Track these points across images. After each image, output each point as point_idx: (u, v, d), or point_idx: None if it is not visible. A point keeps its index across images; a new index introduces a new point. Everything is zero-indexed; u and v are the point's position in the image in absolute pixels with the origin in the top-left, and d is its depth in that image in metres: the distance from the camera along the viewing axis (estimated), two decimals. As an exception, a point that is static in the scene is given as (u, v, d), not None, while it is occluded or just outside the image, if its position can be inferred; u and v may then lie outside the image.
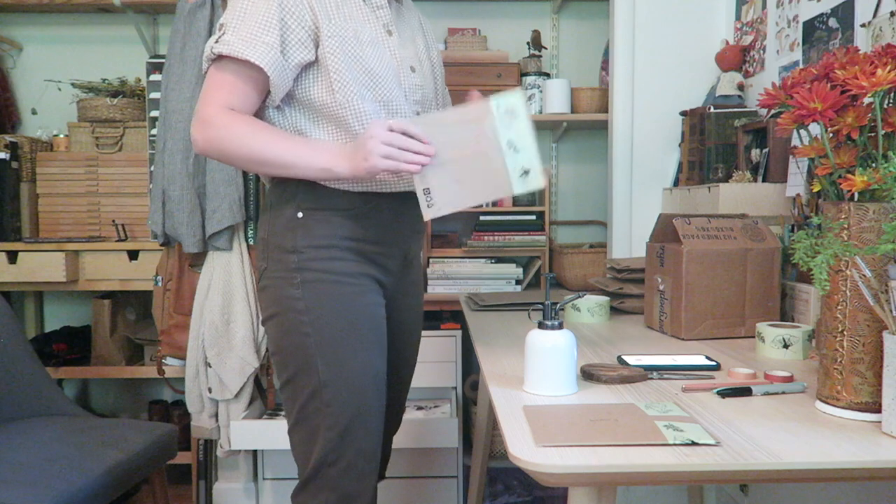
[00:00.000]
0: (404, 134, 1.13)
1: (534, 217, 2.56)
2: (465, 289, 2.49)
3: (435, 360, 2.33)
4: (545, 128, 2.76)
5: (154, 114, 2.33)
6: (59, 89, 2.74)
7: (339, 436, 1.20)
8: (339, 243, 1.24)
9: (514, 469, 2.43)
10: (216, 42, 1.18)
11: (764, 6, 1.96)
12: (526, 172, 1.16)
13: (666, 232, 1.52)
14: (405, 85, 1.29)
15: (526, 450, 0.80)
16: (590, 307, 1.63)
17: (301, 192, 1.23)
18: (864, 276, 0.86)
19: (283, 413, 2.34)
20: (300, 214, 1.23)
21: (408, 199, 1.29)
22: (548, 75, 2.57)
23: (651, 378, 1.12)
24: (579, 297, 1.18)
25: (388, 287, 1.34)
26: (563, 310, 1.71)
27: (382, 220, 1.29)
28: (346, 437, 1.20)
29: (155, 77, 2.35)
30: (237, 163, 1.20)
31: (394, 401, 1.42)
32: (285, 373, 1.24)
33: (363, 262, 1.27)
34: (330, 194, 1.24)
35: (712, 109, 1.93)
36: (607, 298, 1.68)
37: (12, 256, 2.37)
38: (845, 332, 0.90)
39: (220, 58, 1.19)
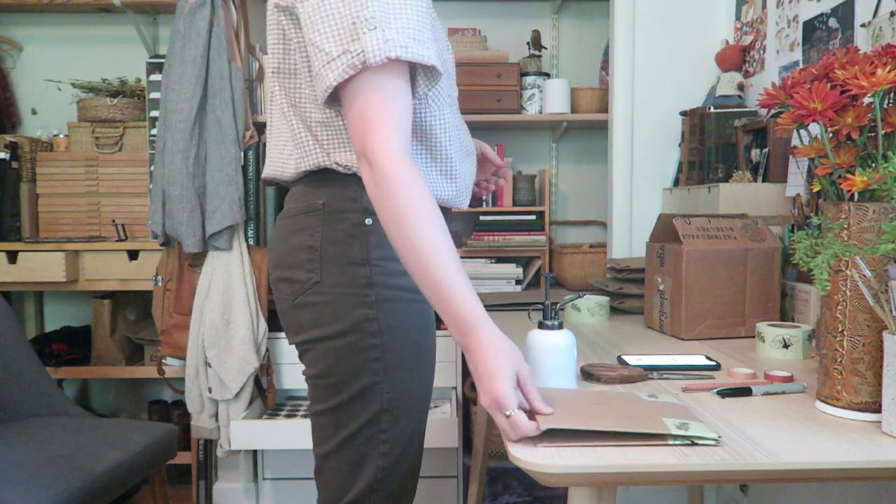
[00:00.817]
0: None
1: (534, 217, 2.56)
2: (465, 289, 2.48)
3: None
4: (545, 128, 2.76)
5: (154, 114, 2.34)
6: (59, 89, 2.74)
7: (393, 463, 1.09)
8: None
9: (514, 469, 2.43)
10: (383, 42, 0.91)
11: (764, 6, 1.96)
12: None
13: (666, 232, 1.52)
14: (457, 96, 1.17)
15: (526, 450, 0.80)
16: (590, 307, 1.63)
17: (365, 196, 1.02)
18: (864, 276, 0.86)
19: (282, 413, 2.34)
20: (369, 221, 1.05)
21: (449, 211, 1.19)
22: (548, 75, 2.57)
23: (651, 378, 1.12)
24: (579, 297, 1.18)
25: None
26: (562, 310, 1.71)
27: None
28: (398, 464, 1.10)
29: (155, 77, 2.35)
30: (397, 222, 0.90)
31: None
32: (336, 398, 1.07)
33: None
34: None
35: (712, 109, 1.93)
36: (607, 298, 1.68)
37: (12, 256, 2.37)
38: (845, 332, 0.90)
39: (385, 63, 0.93)
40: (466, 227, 2.77)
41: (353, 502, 1.09)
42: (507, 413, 0.82)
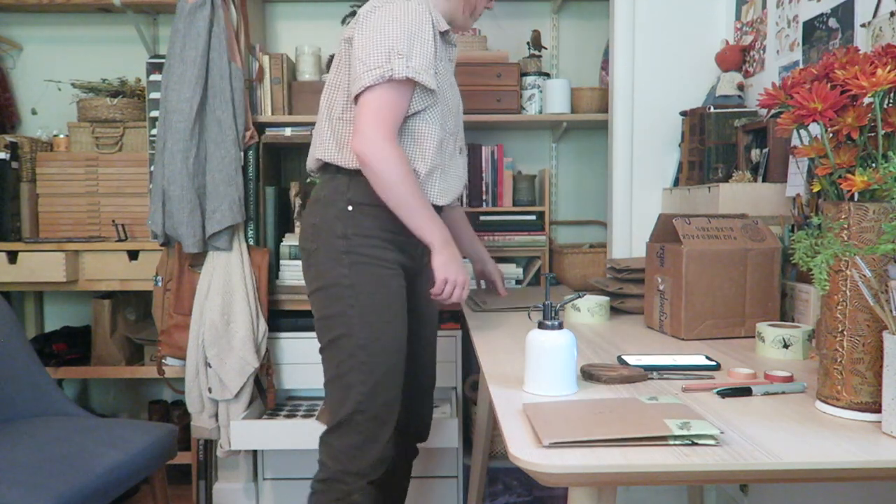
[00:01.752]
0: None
1: (534, 217, 2.56)
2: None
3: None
4: (545, 128, 2.76)
5: (154, 114, 2.33)
6: (59, 89, 2.74)
7: (371, 390, 1.45)
8: (380, 234, 1.48)
9: (514, 469, 2.43)
10: (405, 67, 1.38)
11: (764, 6, 1.96)
12: None
13: (666, 232, 1.52)
14: (459, 124, 1.61)
15: (526, 450, 0.80)
16: (590, 307, 1.63)
17: (352, 190, 1.48)
18: (864, 276, 0.86)
19: (282, 413, 2.35)
20: (350, 208, 1.48)
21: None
22: (548, 75, 2.57)
23: (651, 378, 1.12)
24: (579, 297, 1.18)
25: (412, 269, 1.59)
26: (562, 310, 1.71)
27: None
28: (375, 391, 1.45)
29: (155, 77, 2.35)
30: (380, 186, 1.41)
31: (424, 358, 1.70)
32: (328, 335, 1.48)
33: (396, 251, 1.51)
34: (375, 193, 1.44)
35: (712, 109, 1.93)
36: (607, 298, 1.68)
37: (12, 256, 2.37)
38: (845, 332, 0.90)
39: (403, 81, 1.40)
40: (466, 227, 2.77)
41: (344, 419, 1.46)
42: (456, 288, 1.45)
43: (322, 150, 1.52)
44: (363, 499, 1.47)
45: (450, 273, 1.44)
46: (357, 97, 1.42)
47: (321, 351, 1.51)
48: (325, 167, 1.54)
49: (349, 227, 1.47)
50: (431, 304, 1.72)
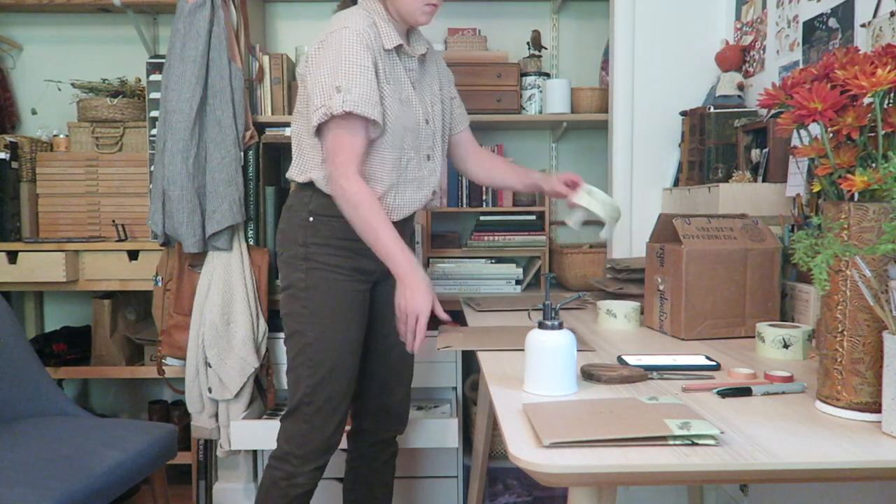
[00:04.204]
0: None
1: (534, 217, 2.56)
2: (465, 289, 2.49)
3: (435, 360, 2.33)
4: (545, 128, 2.76)
5: (154, 114, 2.33)
6: (59, 89, 2.74)
7: (315, 385, 1.56)
8: (337, 242, 1.58)
9: (514, 469, 2.43)
10: (342, 102, 1.43)
11: (764, 6, 1.96)
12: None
13: (666, 232, 1.52)
14: (421, 136, 1.61)
15: (526, 450, 0.80)
16: (626, 313, 1.57)
17: (313, 202, 1.58)
18: (864, 276, 0.86)
19: (282, 413, 2.35)
20: (311, 218, 1.58)
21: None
22: (548, 75, 2.57)
23: (651, 378, 1.12)
24: (579, 297, 1.18)
25: (376, 273, 1.63)
26: (584, 308, 1.71)
27: None
28: (321, 385, 1.57)
29: (155, 77, 2.35)
30: (347, 217, 1.48)
31: (391, 357, 1.74)
32: (287, 331, 1.61)
33: (354, 257, 1.59)
34: (334, 205, 1.52)
35: (712, 109, 1.93)
36: (639, 304, 1.61)
37: (12, 256, 2.37)
38: (845, 332, 0.90)
39: (345, 115, 1.45)
40: (466, 227, 2.77)
41: (295, 406, 1.59)
42: (420, 318, 1.42)
43: (293, 170, 1.62)
44: (306, 481, 1.60)
45: (410, 305, 1.42)
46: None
47: (284, 342, 1.65)
48: (298, 183, 1.65)
49: (308, 236, 1.58)
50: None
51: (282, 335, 2.32)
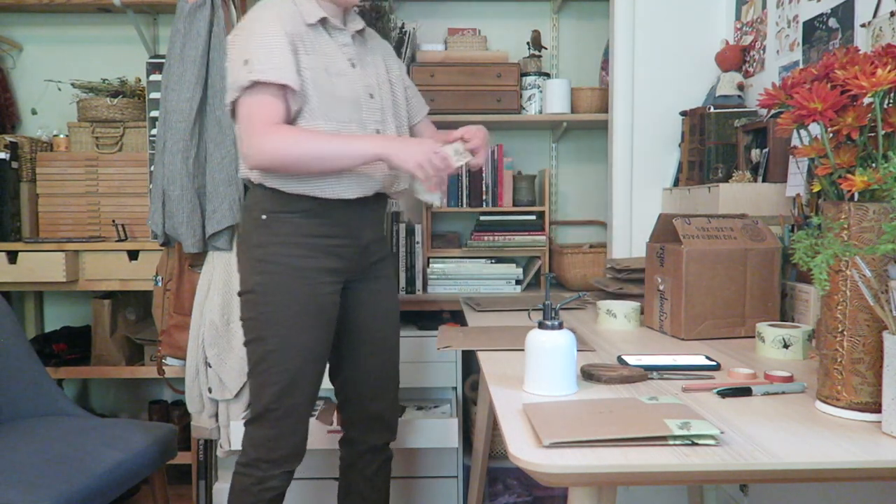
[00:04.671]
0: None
1: (534, 217, 2.56)
2: (465, 289, 2.49)
3: (435, 360, 2.33)
4: (545, 128, 2.76)
5: (154, 114, 2.33)
6: (59, 89, 2.74)
7: (279, 392, 1.51)
8: (298, 240, 1.50)
9: (514, 469, 2.43)
10: (248, 72, 1.39)
11: (764, 6, 1.96)
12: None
13: (666, 232, 1.52)
14: (364, 108, 1.54)
15: (526, 450, 0.80)
16: (626, 313, 1.57)
17: (265, 199, 1.51)
18: (864, 276, 0.86)
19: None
20: (264, 217, 1.51)
21: (361, 199, 1.54)
22: (548, 75, 2.57)
23: (651, 378, 1.12)
24: (579, 297, 1.18)
25: (348, 273, 1.59)
26: (585, 308, 1.71)
27: (337, 218, 1.53)
28: (285, 392, 1.51)
29: (155, 77, 2.35)
30: (297, 165, 1.41)
31: (370, 363, 1.68)
32: (247, 337, 1.55)
33: (318, 255, 1.52)
34: (291, 199, 1.49)
35: (712, 109, 1.93)
36: (639, 304, 1.61)
37: (12, 256, 2.37)
38: (845, 332, 0.90)
39: (253, 85, 1.41)
40: (466, 227, 2.77)
41: (260, 414, 1.54)
42: (437, 151, 1.41)
43: (241, 169, 1.58)
44: (278, 484, 1.57)
45: (414, 160, 1.39)
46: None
47: (244, 347, 1.59)
48: (249, 183, 1.59)
49: (263, 236, 1.51)
50: (383, 305, 1.69)
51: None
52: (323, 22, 1.52)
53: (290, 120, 1.46)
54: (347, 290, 1.62)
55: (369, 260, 1.64)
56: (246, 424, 1.59)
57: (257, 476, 1.56)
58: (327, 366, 1.65)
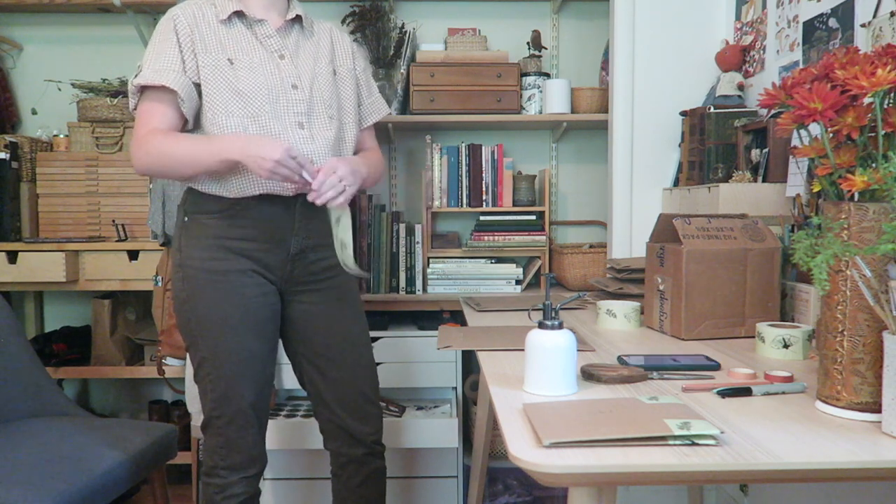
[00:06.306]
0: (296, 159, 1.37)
1: (534, 217, 2.56)
2: (465, 289, 2.49)
3: (435, 360, 2.33)
4: (545, 128, 2.76)
5: (154, 114, 2.33)
6: (59, 89, 2.74)
7: (219, 398, 1.49)
8: (214, 243, 1.46)
9: (514, 469, 2.43)
10: (136, 78, 1.43)
11: (764, 6, 1.96)
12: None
13: (666, 232, 1.52)
14: (283, 101, 1.48)
15: (526, 450, 0.80)
16: (626, 312, 1.56)
17: (189, 200, 1.50)
18: (864, 276, 0.86)
19: (282, 413, 2.35)
20: (186, 219, 1.49)
21: (279, 201, 1.48)
22: (548, 75, 2.57)
23: (651, 378, 1.12)
24: (579, 297, 1.18)
25: (276, 278, 1.53)
26: (586, 308, 1.71)
27: (254, 219, 1.48)
28: (225, 399, 1.49)
29: (155, 77, 2.35)
30: (166, 171, 1.42)
31: (336, 379, 1.60)
32: (185, 342, 1.53)
33: (234, 258, 1.47)
34: (206, 199, 1.46)
35: (712, 109, 1.93)
36: (639, 304, 1.60)
37: (12, 256, 2.37)
38: (845, 332, 0.90)
39: (143, 91, 1.45)
40: (466, 227, 2.77)
41: (207, 420, 1.54)
42: (291, 157, 1.34)
43: None
44: (242, 490, 1.55)
45: (265, 169, 1.33)
46: None
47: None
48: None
49: (183, 239, 1.49)
50: (341, 324, 1.60)
51: (281, 335, 2.34)
52: (239, 15, 1.50)
53: (185, 121, 1.47)
54: (292, 300, 1.56)
55: (308, 269, 1.55)
56: (202, 431, 1.58)
57: (218, 484, 1.56)
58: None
